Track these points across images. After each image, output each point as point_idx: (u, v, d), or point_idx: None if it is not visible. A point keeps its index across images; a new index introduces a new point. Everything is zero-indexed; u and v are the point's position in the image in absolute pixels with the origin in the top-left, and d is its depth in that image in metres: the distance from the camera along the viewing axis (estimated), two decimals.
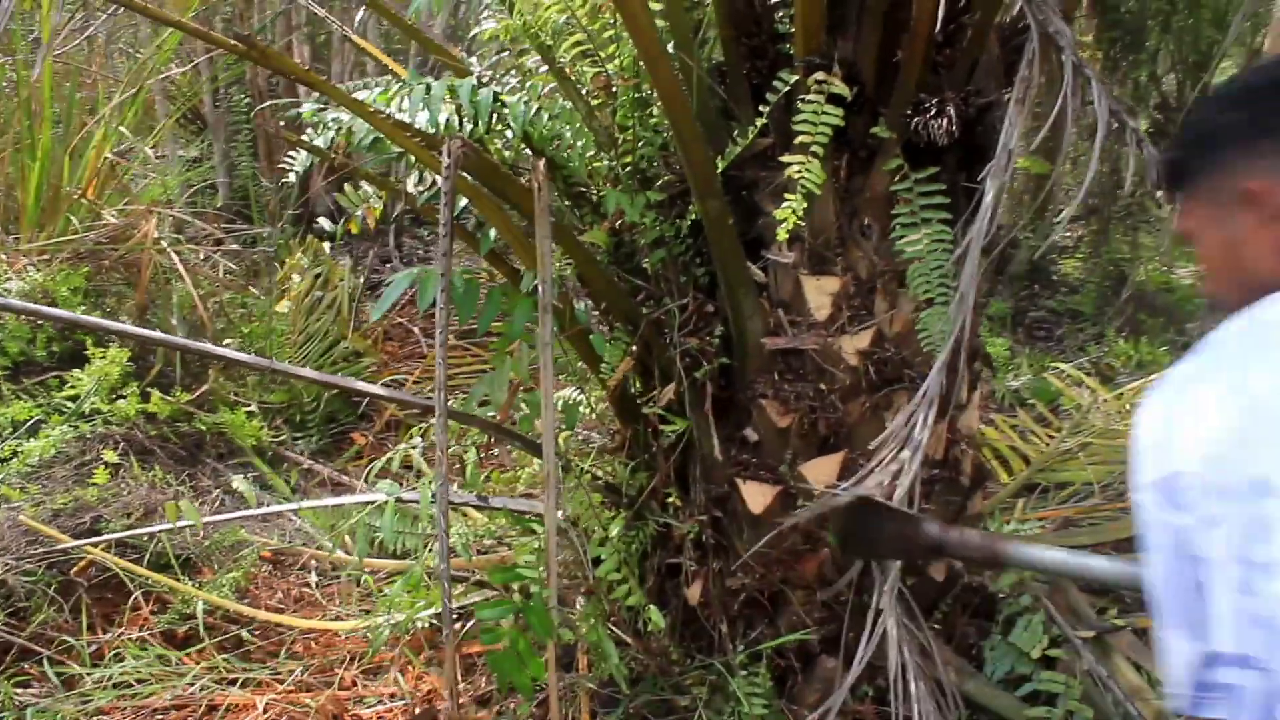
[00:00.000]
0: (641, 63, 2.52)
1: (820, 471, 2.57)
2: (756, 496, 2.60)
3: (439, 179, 2.59)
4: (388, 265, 6.92)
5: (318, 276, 5.28)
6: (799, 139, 2.23)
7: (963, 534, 2.07)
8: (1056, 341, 6.62)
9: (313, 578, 3.50)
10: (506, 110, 2.36)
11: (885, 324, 2.55)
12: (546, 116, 2.36)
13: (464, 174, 2.53)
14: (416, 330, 5.65)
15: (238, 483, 3.54)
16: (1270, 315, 1.09)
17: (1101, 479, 4.57)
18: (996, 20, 2.47)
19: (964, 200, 2.42)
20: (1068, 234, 8.69)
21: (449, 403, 2.30)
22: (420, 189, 2.61)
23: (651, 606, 2.62)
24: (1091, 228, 8.12)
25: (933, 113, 2.27)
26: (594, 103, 2.68)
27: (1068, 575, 2.42)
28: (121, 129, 4.85)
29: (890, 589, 2.17)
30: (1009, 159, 2.14)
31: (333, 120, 2.49)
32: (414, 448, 3.11)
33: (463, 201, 2.59)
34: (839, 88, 2.25)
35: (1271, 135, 1.14)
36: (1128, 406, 5.11)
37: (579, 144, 2.42)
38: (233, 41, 2.09)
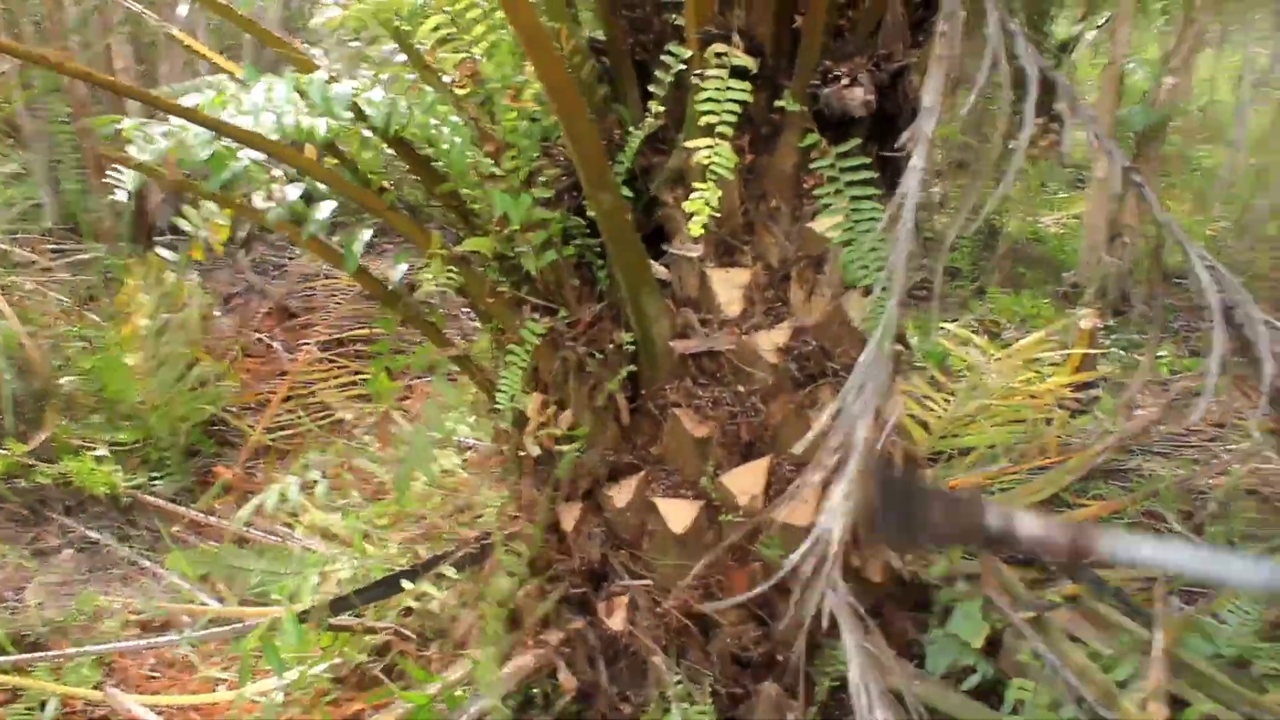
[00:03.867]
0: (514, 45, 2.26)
1: (744, 481, 2.36)
2: (677, 515, 2.38)
3: (291, 190, 2.30)
4: (240, 276, 6.45)
5: (164, 296, 4.83)
6: (703, 119, 1.99)
7: (1035, 522, 1.68)
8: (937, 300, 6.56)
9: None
10: (367, 108, 2.06)
11: (803, 315, 2.34)
12: (418, 111, 2.07)
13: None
14: (277, 345, 5.25)
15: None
16: None
17: (1006, 441, 4.50)
18: None
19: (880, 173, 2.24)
20: (933, 190, 8.71)
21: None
22: (270, 204, 2.29)
23: None
24: (958, 183, 8.14)
25: (845, 82, 2.06)
26: (460, 93, 2.39)
27: (1191, 575, 1.97)
28: None
29: (841, 603, 1.96)
30: (934, 120, 1.94)
31: (162, 132, 2.15)
32: (295, 478, 2.76)
33: (330, 205, 2.28)
34: (742, 60, 2.02)
35: None
36: (1021, 363, 5.07)
37: (457, 140, 2.13)
38: (24, 49, 1.74)
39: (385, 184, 2.49)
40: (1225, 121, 11.11)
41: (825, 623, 2.05)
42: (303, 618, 2.58)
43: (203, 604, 3.24)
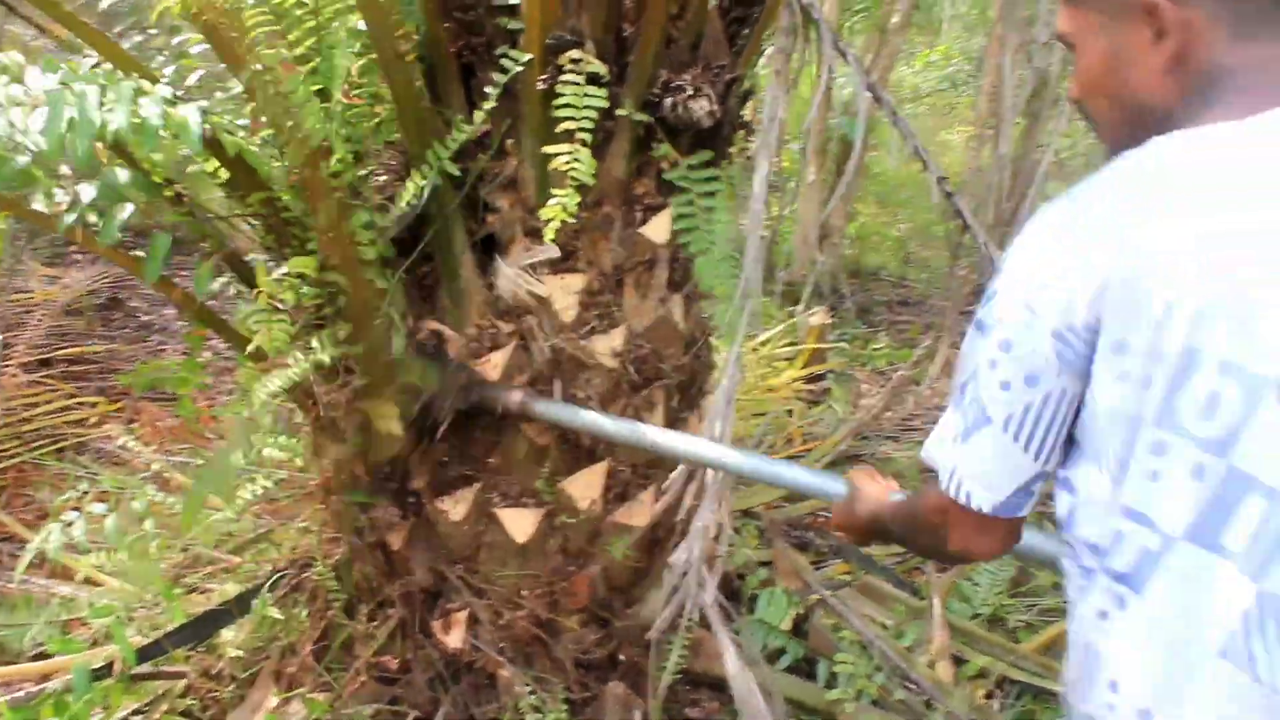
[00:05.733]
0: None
1: (584, 486, 2.37)
2: (519, 524, 2.35)
3: (84, 191, 2.08)
4: None
5: None
6: (563, 125, 1.98)
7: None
8: None
9: None
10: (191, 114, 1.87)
11: (635, 319, 2.38)
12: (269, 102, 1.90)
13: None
14: None
15: None
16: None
17: (751, 434, 4.74)
18: None
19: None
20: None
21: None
22: (61, 207, 2.04)
23: None
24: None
25: (690, 92, 2.11)
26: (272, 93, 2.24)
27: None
28: None
29: (712, 600, 2.02)
30: (777, 132, 2.03)
31: None
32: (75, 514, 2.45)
33: (127, 209, 2.07)
34: (596, 66, 2.03)
35: None
36: (757, 359, 5.35)
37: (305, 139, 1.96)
38: None
39: (180, 189, 2.29)
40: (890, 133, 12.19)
41: (694, 617, 2.11)
42: (99, 673, 2.33)
43: None
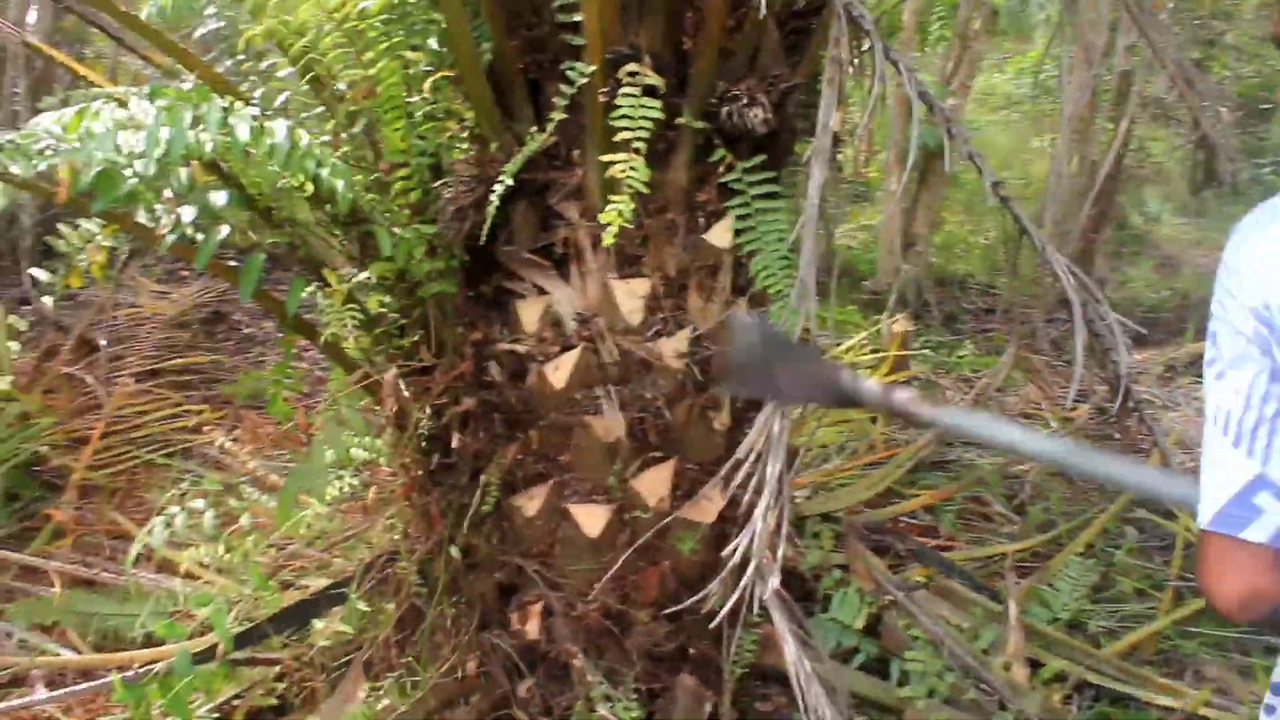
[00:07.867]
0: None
1: (652, 484, 2.45)
2: (590, 520, 2.44)
3: (184, 211, 2.23)
4: (26, 306, 6.01)
5: None
6: (620, 135, 2.07)
7: (876, 386, 1.84)
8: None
9: (40, 693, 2.94)
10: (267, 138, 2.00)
11: (700, 321, 2.46)
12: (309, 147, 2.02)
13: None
14: (90, 379, 4.94)
15: None
16: None
17: (835, 441, 4.76)
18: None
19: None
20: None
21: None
22: (163, 226, 2.20)
23: None
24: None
25: (745, 101, 2.19)
26: (350, 110, 2.38)
27: (990, 444, 2.16)
28: None
29: (773, 593, 2.07)
30: (831, 140, 2.09)
31: (46, 147, 2.04)
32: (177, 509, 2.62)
33: (224, 229, 2.22)
34: (653, 79, 2.11)
35: None
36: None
37: (339, 183, 2.08)
38: None
39: (272, 205, 2.44)
40: (979, 141, 12.02)
41: (754, 611, 2.17)
42: (200, 657, 2.48)
43: (56, 654, 3.05)
